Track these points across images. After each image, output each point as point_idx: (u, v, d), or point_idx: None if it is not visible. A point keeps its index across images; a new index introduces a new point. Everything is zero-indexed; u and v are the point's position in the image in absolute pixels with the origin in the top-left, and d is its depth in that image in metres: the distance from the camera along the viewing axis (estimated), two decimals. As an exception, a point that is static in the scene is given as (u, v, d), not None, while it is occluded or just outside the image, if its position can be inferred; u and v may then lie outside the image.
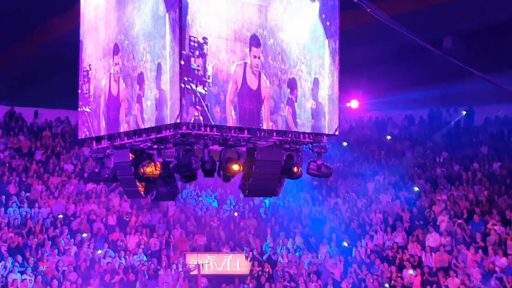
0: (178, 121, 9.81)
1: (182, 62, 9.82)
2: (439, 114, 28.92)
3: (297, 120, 11.08)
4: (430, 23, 23.25)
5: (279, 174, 11.24)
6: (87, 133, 12.01)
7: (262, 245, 22.01)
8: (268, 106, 10.74)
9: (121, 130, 11.09)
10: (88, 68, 12.06)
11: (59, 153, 24.79)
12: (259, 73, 10.65)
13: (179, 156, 10.16)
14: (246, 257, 21.57)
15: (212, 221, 22.77)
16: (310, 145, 11.55)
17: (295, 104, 11.06)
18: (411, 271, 18.74)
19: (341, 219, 22.42)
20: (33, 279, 18.53)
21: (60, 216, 21.30)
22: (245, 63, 10.49)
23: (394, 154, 26.56)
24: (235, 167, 10.65)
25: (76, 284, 18.82)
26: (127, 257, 20.27)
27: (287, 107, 10.98)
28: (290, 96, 11.02)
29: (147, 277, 19.87)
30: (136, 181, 11.12)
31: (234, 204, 23.97)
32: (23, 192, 22.01)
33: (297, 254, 21.25)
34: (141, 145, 10.90)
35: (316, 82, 11.35)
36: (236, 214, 23.58)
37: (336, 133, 11.67)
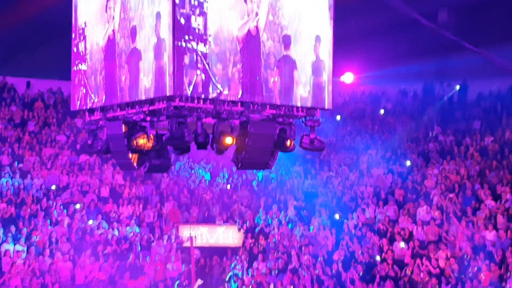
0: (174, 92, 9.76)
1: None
2: (433, 88, 28.89)
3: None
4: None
5: (272, 148, 11.26)
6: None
7: (255, 218, 22.15)
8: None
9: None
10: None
11: (51, 124, 24.70)
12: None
13: (172, 128, 10.17)
14: (239, 229, 21.72)
15: (205, 194, 22.85)
16: (303, 119, 11.55)
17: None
18: (402, 244, 18.91)
19: (333, 193, 22.53)
20: (25, 249, 18.62)
21: (53, 187, 21.32)
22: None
23: (387, 128, 26.59)
24: (228, 140, 10.67)
25: (69, 255, 18.92)
26: (120, 228, 20.36)
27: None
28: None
29: (139, 248, 20.00)
30: (129, 153, 11.13)
31: (227, 177, 24.04)
32: (16, 162, 21.98)
33: (289, 226, 21.39)
34: (134, 117, 10.87)
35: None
36: (228, 186, 23.66)
37: (330, 107, 11.67)
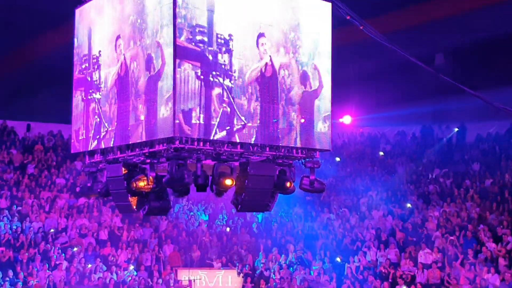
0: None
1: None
2: (431, 130, 29.03)
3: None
4: (421, 40, 23.43)
5: (271, 189, 11.24)
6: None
7: (255, 261, 21.93)
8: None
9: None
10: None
11: (51, 167, 24.68)
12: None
13: (172, 170, 10.16)
14: (238, 273, 21.48)
15: (204, 236, 22.68)
16: (303, 160, 11.57)
17: None
18: (404, 288, 18.71)
19: (334, 235, 22.38)
20: (23, 294, 18.38)
21: (52, 230, 21.17)
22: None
23: (387, 170, 26.60)
24: (228, 181, 10.65)
25: (67, 299, 18.67)
26: (119, 272, 20.14)
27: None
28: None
29: (138, 292, 19.75)
30: (128, 195, 11.09)
31: (226, 219, 23.91)
32: (15, 206, 21.88)
33: (290, 270, 21.16)
34: (134, 159, 10.88)
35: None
36: (228, 229, 23.50)
37: (329, 148, 11.71)
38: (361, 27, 13.73)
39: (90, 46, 12.12)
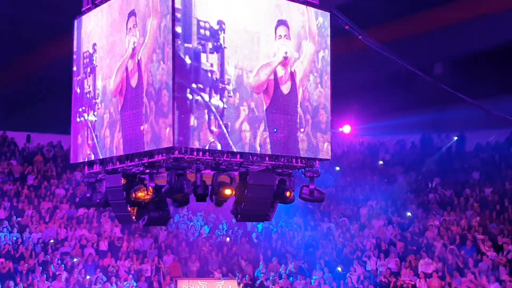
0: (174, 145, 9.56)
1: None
2: (431, 139, 29.05)
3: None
4: (420, 49, 23.48)
5: (271, 199, 11.20)
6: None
7: (255, 271, 21.88)
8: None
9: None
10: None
11: (51, 178, 24.68)
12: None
13: (171, 180, 10.12)
14: (239, 283, 21.42)
15: (204, 247, 22.64)
16: (303, 170, 11.55)
17: None
18: (404, 297, 18.66)
19: (334, 245, 22.34)
20: (22, 305, 18.33)
21: (51, 241, 21.14)
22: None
23: (387, 179, 26.59)
24: (228, 191, 10.62)
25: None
26: (118, 283, 20.09)
27: None
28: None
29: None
30: (127, 206, 11.06)
31: (226, 229, 23.88)
32: (14, 217, 21.86)
33: (290, 279, 21.11)
34: (133, 170, 10.86)
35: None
36: (228, 239, 23.46)
37: (329, 157, 11.70)
38: (360, 37, 13.79)
39: (88, 56, 12.15)
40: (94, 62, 11.90)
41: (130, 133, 10.62)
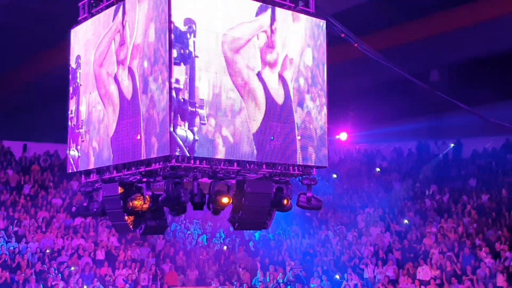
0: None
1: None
2: (427, 146, 29.07)
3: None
4: (416, 56, 23.53)
5: (269, 207, 11.21)
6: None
7: (252, 279, 21.82)
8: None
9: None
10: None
11: (47, 187, 24.61)
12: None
13: (168, 189, 10.10)
14: (236, 292, 21.38)
15: (201, 255, 22.58)
16: (300, 177, 11.55)
17: None
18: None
19: (332, 252, 22.30)
20: (19, 315, 18.22)
21: (48, 250, 21.05)
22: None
23: (384, 186, 26.59)
24: (225, 200, 10.61)
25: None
26: (116, 292, 20.04)
27: None
28: None
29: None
30: (124, 214, 11.03)
31: (223, 237, 23.82)
32: (11, 226, 21.78)
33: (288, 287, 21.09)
34: (130, 178, 10.83)
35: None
36: (225, 247, 23.40)
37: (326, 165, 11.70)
38: (356, 45, 13.82)
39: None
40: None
41: (126, 142, 10.60)
